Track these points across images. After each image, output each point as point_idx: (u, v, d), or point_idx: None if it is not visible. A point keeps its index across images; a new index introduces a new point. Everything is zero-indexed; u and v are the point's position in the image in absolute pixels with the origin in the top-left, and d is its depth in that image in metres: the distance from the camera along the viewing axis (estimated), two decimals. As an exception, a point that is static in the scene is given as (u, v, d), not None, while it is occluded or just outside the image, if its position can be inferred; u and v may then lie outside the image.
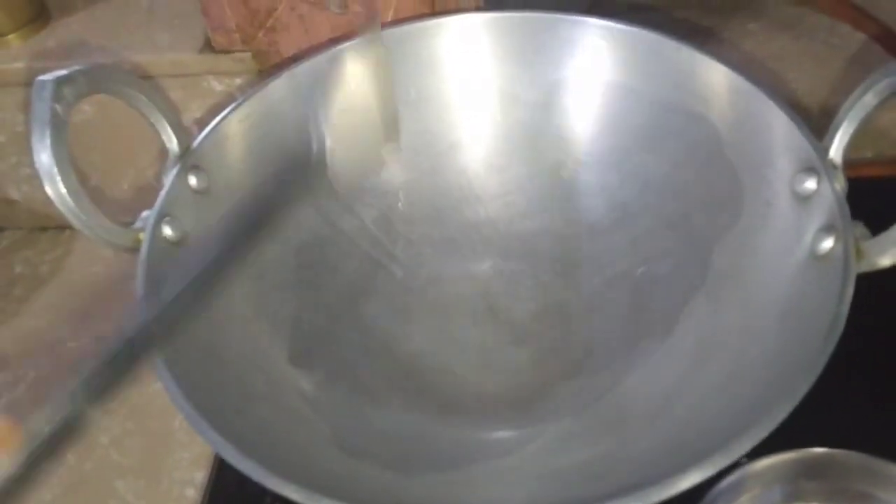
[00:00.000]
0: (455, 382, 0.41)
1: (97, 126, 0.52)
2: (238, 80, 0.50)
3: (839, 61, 0.60)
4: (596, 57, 0.44)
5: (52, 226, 0.58)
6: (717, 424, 0.31)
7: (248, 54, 0.49)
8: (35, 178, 0.53)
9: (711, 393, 0.34)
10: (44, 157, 0.33)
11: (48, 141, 0.33)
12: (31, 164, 0.52)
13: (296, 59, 0.44)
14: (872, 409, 0.40)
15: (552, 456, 0.35)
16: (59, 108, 0.33)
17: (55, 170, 0.33)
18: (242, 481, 0.41)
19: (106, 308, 0.51)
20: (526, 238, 0.46)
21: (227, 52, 0.49)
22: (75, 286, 0.54)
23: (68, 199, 0.34)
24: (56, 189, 0.33)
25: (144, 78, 0.47)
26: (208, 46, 0.49)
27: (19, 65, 0.50)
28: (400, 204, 0.46)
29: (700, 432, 0.32)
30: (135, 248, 0.36)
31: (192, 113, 0.51)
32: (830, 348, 0.30)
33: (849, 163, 0.35)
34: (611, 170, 0.45)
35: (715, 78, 0.40)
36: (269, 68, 0.49)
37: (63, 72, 0.34)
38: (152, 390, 0.47)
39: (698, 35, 0.61)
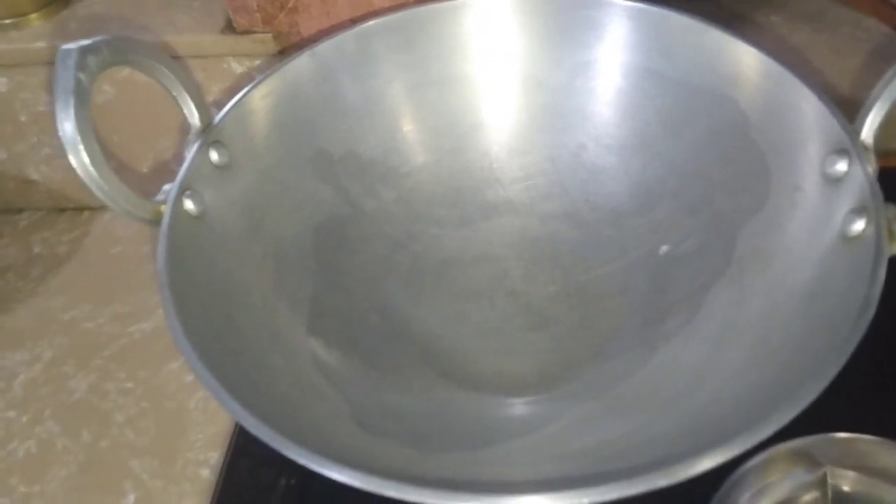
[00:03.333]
0: (474, 364, 0.41)
1: (118, 106, 0.53)
2: (258, 62, 0.50)
3: (862, 54, 0.59)
4: (621, 39, 0.43)
5: (70, 207, 0.58)
6: (741, 407, 0.31)
7: (269, 35, 0.49)
8: (54, 159, 0.56)
9: (735, 376, 0.34)
10: (67, 127, 0.33)
11: (72, 110, 0.32)
12: (52, 144, 0.55)
13: (316, 39, 0.44)
14: (895, 395, 0.40)
15: (573, 436, 0.35)
16: (83, 77, 0.33)
17: (78, 139, 0.33)
18: (257, 462, 0.42)
19: (123, 289, 0.52)
20: (547, 221, 0.46)
21: (248, 32, 0.49)
22: (93, 267, 0.54)
23: (91, 169, 0.33)
24: (79, 158, 0.33)
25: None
26: (229, 27, 0.49)
27: (41, 44, 0.51)
28: (420, 184, 0.46)
29: (724, 415, 0.31)
30: (156, 221, 0.36)
31: (212, 95, 0.51)
32: (861, 331, 0.29)
33: (882, 152, 0.35)
34: (634, 153, 0.44)
35: (743, 60, 0.40)
36: (289, 49, 0.49)
37: (87, 41, 0.33)
38: (168, 370, 0.47)
39: (725, 24, 0.60)
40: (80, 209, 0.58)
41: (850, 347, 0.29)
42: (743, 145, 0.40)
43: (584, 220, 0.45)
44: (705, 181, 0.42)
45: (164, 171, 0.55)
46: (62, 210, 0.58)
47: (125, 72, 0.50)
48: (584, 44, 0.44)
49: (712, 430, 0.29)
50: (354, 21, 0.45)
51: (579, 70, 0.45)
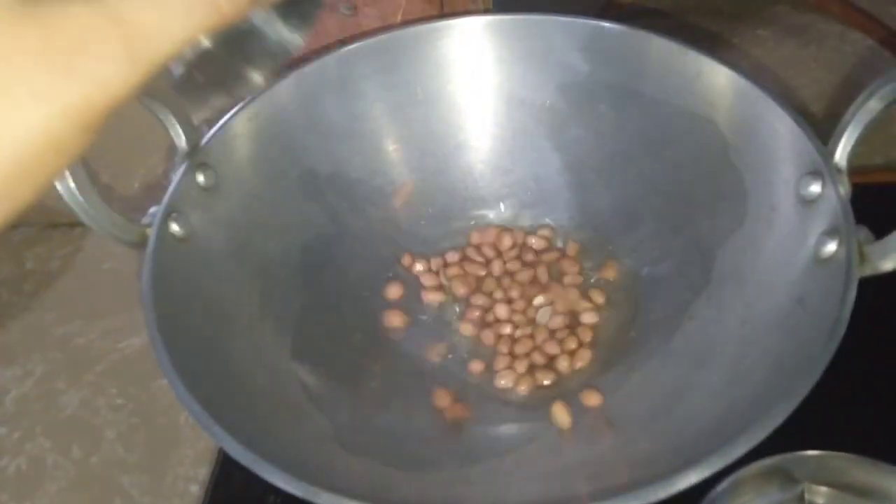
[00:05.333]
0: (457, 385, 0.41)
1: (107, 126, 0.52)
2: None
3: (848, 68, 0.59)
4: (602, 59, 0.44)
5: (63, 223, 0.58)
6: (716, 426, 0.31)
7: (258, 55, 0.49)
8: None
9: (711, 396, 0.34)
10: None
11: None
12: None
13: (304, 60, 0.44)
14: (871, 412, 0.40)
15: (552, 456, 0.36)
16: None
17: None
18: (245, 478, 0.41)
19: (115, 304, 0.52)
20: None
21: (236, 52, 0.49)
22: (85, 283, 0.54)
23: (77, 194, 0.34)
24: (65, 185, 0.34)
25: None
26: (219, 47, 0.49)
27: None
28: (405, 203, 0.47)
29: (699, 434, 0.32)
30: (142, 244, 0.36)
31: (200, 114, 0.50)
32: (831, 352, 0.30)
33: (858, 169, 0.35)
34: (615, 173, 0.45)
35: (720, 82, 0.40)
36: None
37: (74, 67, 0.34)
38: (158, 386, 0.47)
39: (708, 41, 0.61)
40: (72, 225, 0.58)
41: (821, 367, 0.29)
42: (722, 166, 0.40)
43: (567, 239, 0.46)
44: (685, 201, 0.42)
45: (153, 191, 0.54)
46: (55, 226, 0.58)
47: None
48: (565, 65, 0.44)
49: (688, 449, 0.29)
50: (342, 42, 0.45)
51: (560, 91, 0.45)
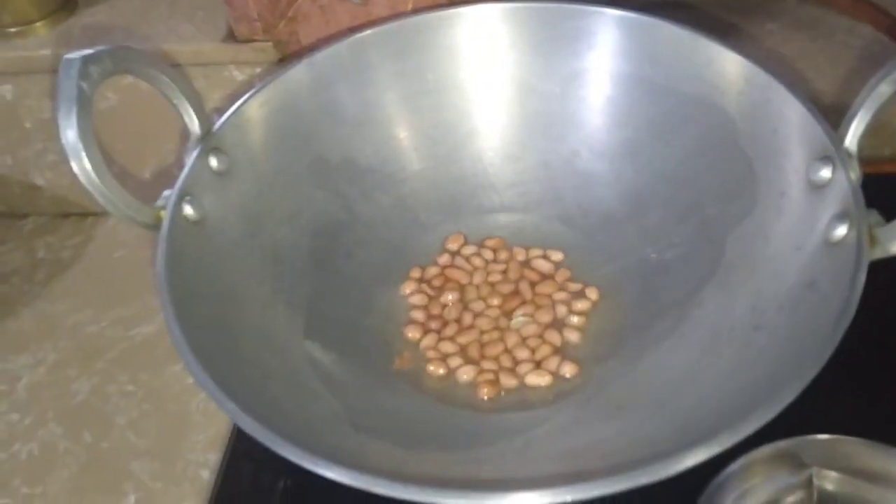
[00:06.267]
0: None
1: (121, 113, 0.53)
2: (259, 70, 0.51)
3: (857, 61, 0.59)
4: (612, 48, 0.44)
5: (74, 212, 0.58)
6: (725, 408, 0.31)
7: (269, 44, 0.49)
8: (59, 165, 0.56)
9: (721, 380, 0.34)
10: (70, 134, 0.33)
11: (74, 118, 0.33)
12: (57, 150, 0.54)
13: (316, 48, 0.44)
14: (882, 397, 0.40)
15: (563, 437, 0.36)
16: (85, 85, 0.34)
17: (80, 146, 0.33)
18: (256, 464, 0.42)
19: (126, 293, 0.52)
20: (539, 227, 0.46)
21: (249, 41, 0.49)
22: (96, 271, 0.54)
23: (93, 175, 0.34)
24: (81, 165, 0.34)
25: (168, 66, 0.48)
26: (230, 36, 0.50)
27: (45, 52, 0.51)
28: (416, 190, 0.47)
29: (708, 416, 0.32)
30: (156, 226, 0.36)
31: (213, 102, 0.52)
32: (840, 334, 0.30)
33: (868, 160, 0.35)
34: (625, 160, 0.45)
35: (731, 68, 0.40)
36: (289, 58, 0.50)
37: (89, 50, 0.34)
38: (170, 373, 0.47)
39: (717, 33, 0.60)
40: (83, 215, 0.58)
41: (829, 350, 0.29)
42: (731, 153, 0.40)
43: (576, 226, 0.46)
44: (694, 188, 0.42)
45: (166, 176, 0.55)
46: (66, 215, 0.58)
47: (128, 79, 0.50)
48: (575, 52, 0.44)
49: (697, 431, 0.29)
50: (353, 30, 0.46)
51: (571, 78, 0.45)
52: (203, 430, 0.44)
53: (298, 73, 0.43)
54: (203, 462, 0.43)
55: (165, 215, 0.36)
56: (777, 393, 0.28)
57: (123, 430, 0.45)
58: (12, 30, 0.52)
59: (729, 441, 0.27)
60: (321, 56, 0.43)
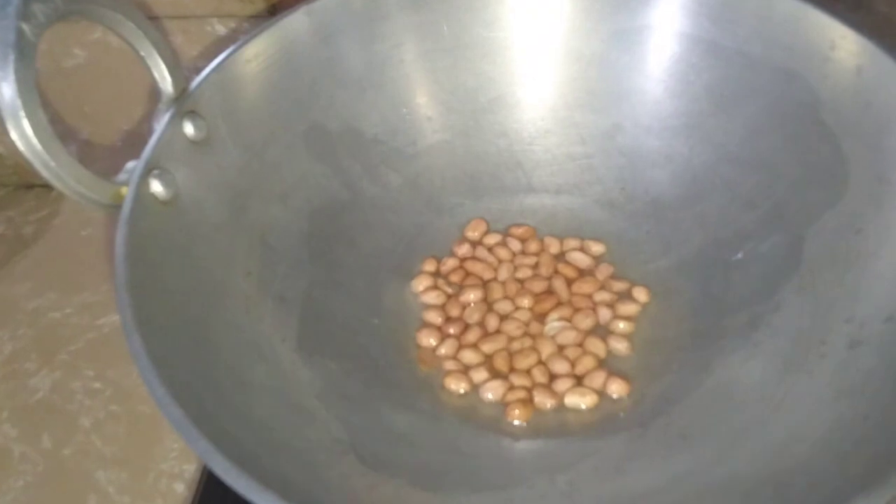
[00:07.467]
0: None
1: (90, 72, 0.50)
2: (246, 25, 0.48)
3: None
4: (671, 4, 0.40)
5: (38, 184, 0.57)
6: (831, 448, 0.27)
7: (260, -6, 0.47)
8: None
9: (819, 405, 0.30)
10: (5, 89, 0.28)
11: (11, 68, 0.28)
12: None
13: (313, -2, 0.41)
14: None
15: (614, 476, 0.31)
16: (26, 28, 0.29)
17: (19, 104, 0.28)
18: None
19: (94, 276, 0.50)
20: (575, 213, 0.43)
21: (234, -12, 0.47)
22: (61, 250, 0.53)
23: (34, 140, 0.29)
24: (20, 128, 0.29)
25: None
26: (213, -18, 0.47)
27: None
28: (429, 168, 0.43)
29: (811, 454, 0.27)
30: (116, 207, 0.32)
31: (192, 60, 0.48)
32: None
33: None
34: (678, 135, 0.41)
35: (813, 29, 0.36)
36: (281, 10, 0.45)
37: (34, -16, 0.30)
38: (140, 370, 0.45)
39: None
40: (48, 187, 0.55)
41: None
42: (811, 129, 0.36)
43: (619, 212, 0.42)
44: (764, 169, 0.38)
45: (137, 147, 0.52)
46: (29, 187, 0.56)
47: (98, 33, 0.48)
48: (625, 8, 0.40)
49: (798, 477, 0.24)
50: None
51: (617, 38, 0.41)
52: (178, 436, 0.41)
53: (295, 22, 0.39)
54: (178, 473, 0.41)
55: (127, 193, 0.32)
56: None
57: (88, 433, 0.43)
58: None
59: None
60: (324, 3, 0.39)
